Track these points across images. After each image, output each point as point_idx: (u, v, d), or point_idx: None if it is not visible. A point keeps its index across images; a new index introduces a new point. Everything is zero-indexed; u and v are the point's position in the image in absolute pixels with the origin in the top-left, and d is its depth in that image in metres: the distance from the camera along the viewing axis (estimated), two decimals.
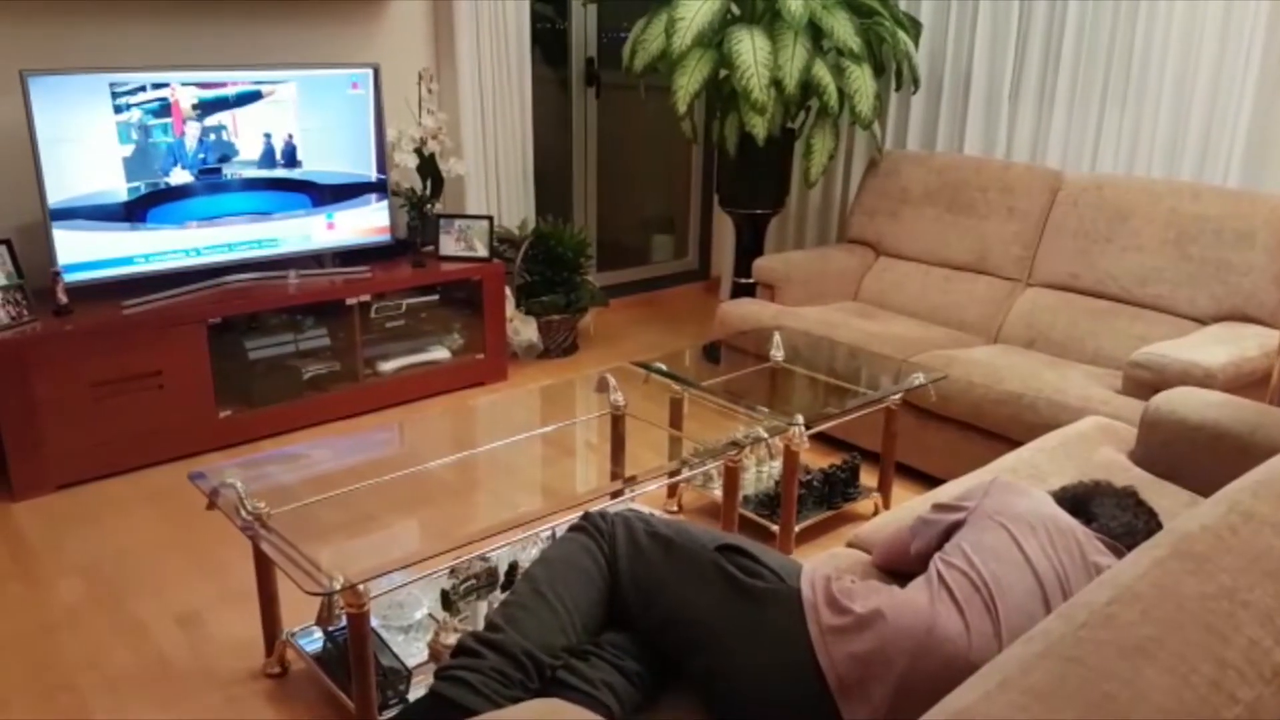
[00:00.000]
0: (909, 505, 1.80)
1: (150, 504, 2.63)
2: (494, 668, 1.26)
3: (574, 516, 2.00)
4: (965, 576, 1.30)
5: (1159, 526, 1.52)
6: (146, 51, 3.01)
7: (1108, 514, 1.49)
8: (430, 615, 1.98)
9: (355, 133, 3.22)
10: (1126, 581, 0.85)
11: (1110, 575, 0.87)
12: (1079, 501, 1.55)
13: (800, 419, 2.19)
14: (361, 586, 1.58)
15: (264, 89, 3.02)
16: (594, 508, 1.61)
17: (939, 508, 1.54)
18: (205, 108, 2.93)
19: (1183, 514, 0.98)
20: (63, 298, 2.72)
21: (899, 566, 1.59)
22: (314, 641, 1.93)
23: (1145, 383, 2.38)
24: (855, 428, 2.78)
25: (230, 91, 2.96)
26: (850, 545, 1.76)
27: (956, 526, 1.46)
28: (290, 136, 3.10)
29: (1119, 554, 1.42)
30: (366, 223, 3.30)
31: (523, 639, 1.30)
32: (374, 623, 1.78)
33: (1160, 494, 1.83)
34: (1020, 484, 1.51)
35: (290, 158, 3.12)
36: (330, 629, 1.84)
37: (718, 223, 4.94)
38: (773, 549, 1.46)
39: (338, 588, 1.55)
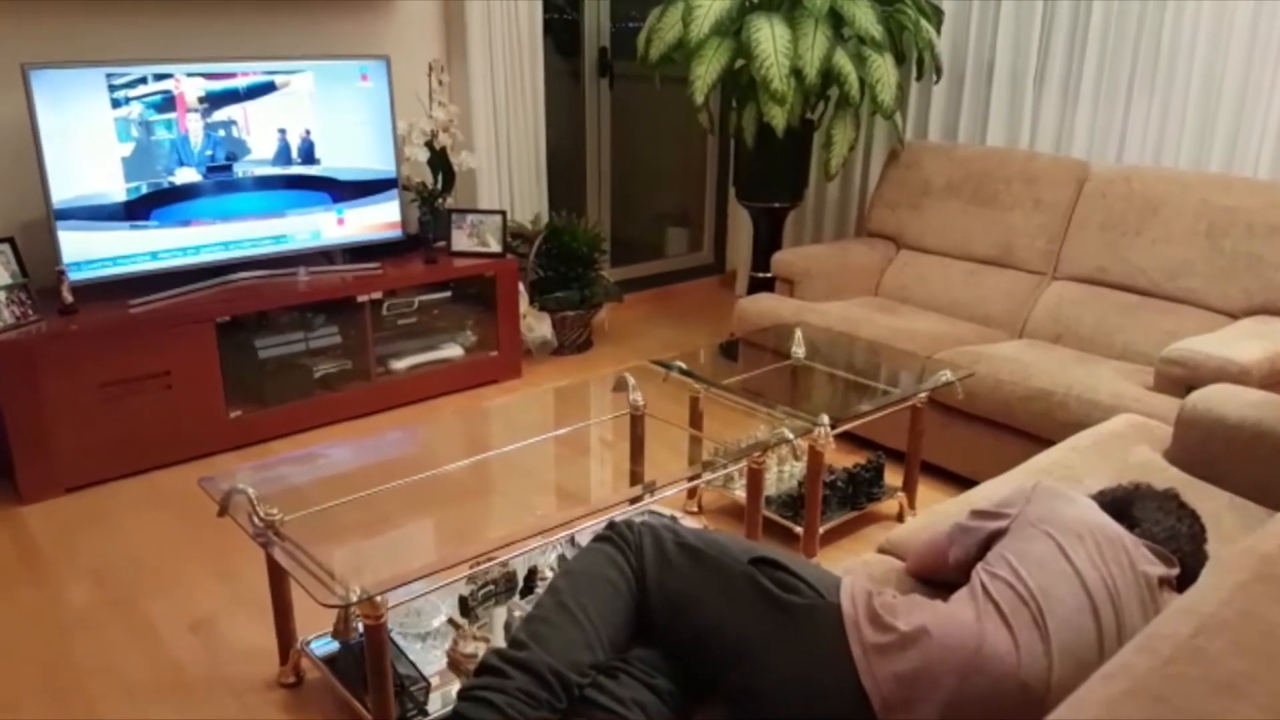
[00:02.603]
0: (940, 509, 1.74)
1: (160, 506, 2.59)
2: (520, 688, 1.21)
3: (597, 522, 1.95)
4: (1011, 589, 1.24)
5: (1202, 530, 1.47)
6: (146, 44, 2.95)
7: (1150, 518, 1.43)
8: (449, 621, 1.93)
9: (373, 126, 3.16)
10: (1210, 610, 0.79)
11: (1190, 602, 0.81)
12: (1121, 506, 1.48)
13: (826, 419, 2.13)
14: (379, 598, 1.52)
15: (278, 80, 2.96)
16: (618, 515, 1.55)
17: (978, 515, 1.47)
18: (213, 101, 2.87)
19: (1259, 530, 0.92)
20: (68, 297, 2.67)
21: (935, 575, 1.52)
22: (327, 644, 1.88)
23: (1178, 379, 2.32)
24: (879, 426, 2.71)
25: (241, 83, 2.90)
26: (882, 551, 1.70)
27: (998, 535, 1.40)
28: (308, 132, 3.03)
29: (1167, 562, 1.36)
30: (377, 218, 3.24)
31: (549, 656, 1.25)
32: (390, 630, 1.73)
33: (1200, 495, 1.77)
34: (1064, 489, 1.45)
35: (308, 154, 3.06)
36: (348, 641, 1.79)
37: (733, 216, 4.87)
38: (807, 560, 1.41)
39: (354, 600, 1.49)
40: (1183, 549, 1.40)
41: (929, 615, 1.22)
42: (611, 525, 1.45)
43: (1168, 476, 1.86)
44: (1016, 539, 1.35)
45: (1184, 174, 2.85)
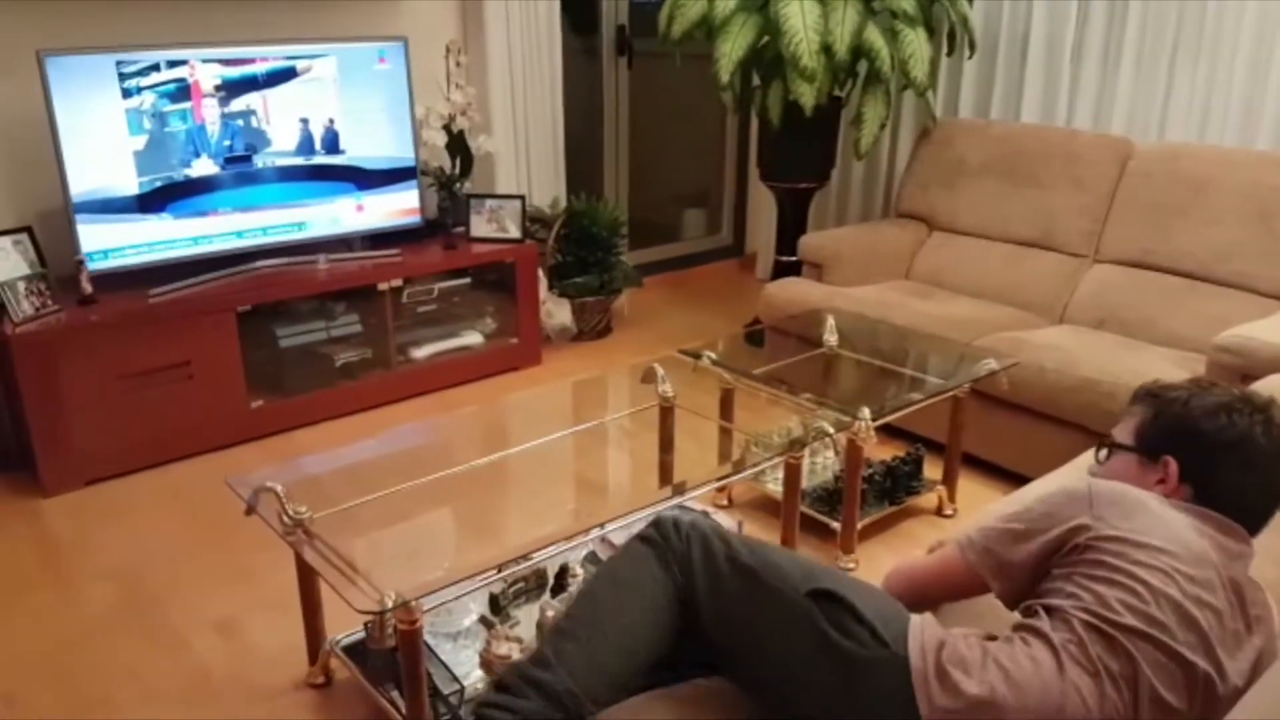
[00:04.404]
0: (993, 509, 1.67)
1: (182, 500, 2.55)
2: (534, 712, 1.15)
3: (631, 520, 1.90)
4: (1097, 632, 1.07)
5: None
6: (156, 28, 2.86)
7: (1216, 472, 1.18)
8: (483, 617, 1.87)
9: (391, 111, 3.08)
10: None
11: None
12: (1175, 437, 1.21)
13: (866, 412, 2.06)
14: (415, 602, 1.47)
15: (299, 66, 2.88)
16: (662, 509, 1.47)
17: (1012, 535, 1.20)
18: (230, 89, 2.79)
19: None
20: (87, 287, 2.62)
21: (930, 600, 1.32)
22: (354, 636, 1.84)
23: (1231, 368, 2.23)
24: (916, 416, 2.63)
25: (259, 69, 2.82)
26: (932, 551, 1.63)
27: (1050, 555, 1.16)
28: (331, 121, 2.96)
29: (1239, 538, 1.16)
30: (396, 204, 3.17)
31: (570, 680, 1.18)
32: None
33: None
34: (1128, 490, 1.19)
35: (332, 143, 2.98)
36: (383, 648, 1.74)
37: (753, 196, 4.77)
38: (869, 588, 1.25)
39: (390, 606, 1.44)
40: (1251, 507, 1.18)
41: (1000, 675, 1.08)
42: (657, 524, 1.34)
43: None
44: (1089, 565, 1.12)
45: (1234, 152, 2.74)
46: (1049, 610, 1.12)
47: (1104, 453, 1.31)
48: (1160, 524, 1.13)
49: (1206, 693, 1.07)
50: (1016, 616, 1.20)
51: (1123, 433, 1.30)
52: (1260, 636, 1.14)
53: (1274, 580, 1.34)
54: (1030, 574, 1.18)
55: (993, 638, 1.16)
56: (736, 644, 1.24)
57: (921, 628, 1.17)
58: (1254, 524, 1.20)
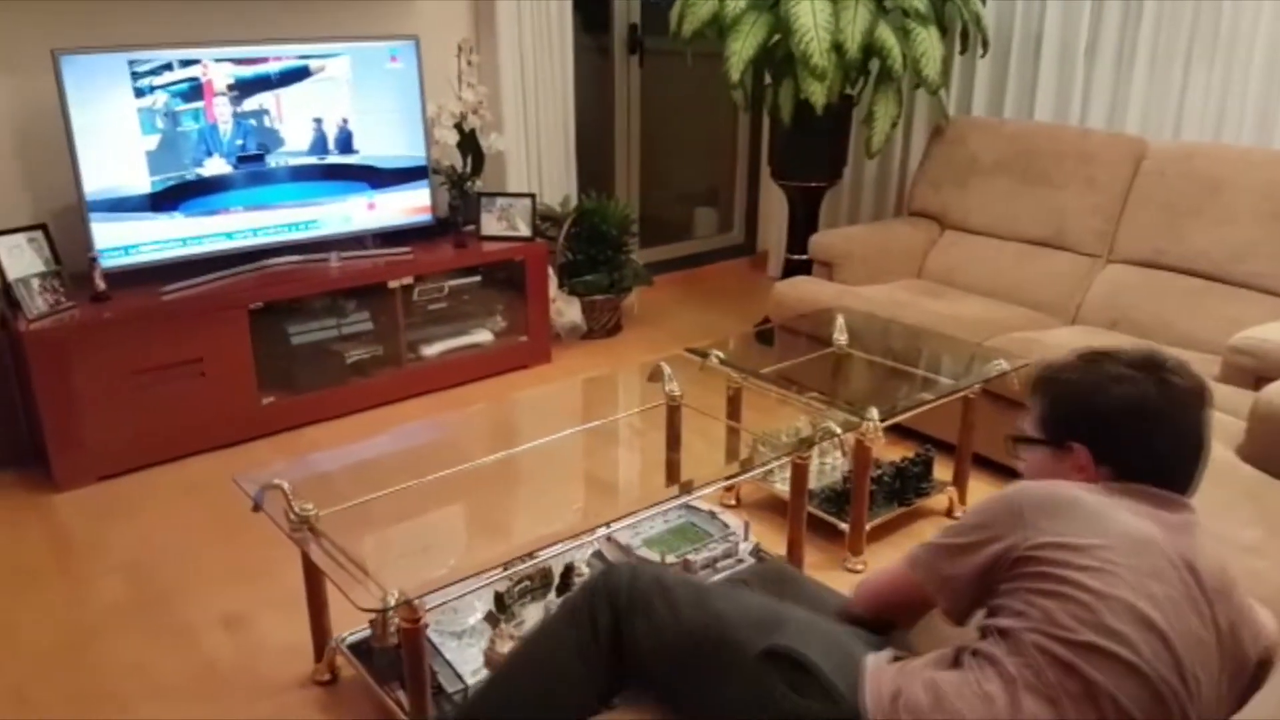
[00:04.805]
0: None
1: (193, 495, 2.56)
2: None
3: (637, 519, 1.89)
4: (1051, 655, 1.02)
5: (1198, 390, 1.15)
6: (168, 28, 2.88)
7: (1139, 448, 1.14)
8: (488, 615, 1.87)
9: (403, 110, 3.09)
10: None
11: None
12: (1080, 426, 1.17)
13: (875, 412, 2.04)
14: (417, 601, 1.47)
15: (312, 65, 2.89)
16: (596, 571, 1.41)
17: (950, 549, 1.16)
18: (243, 88, 2.80)
19: None
20: (101, 284, 2.64)
21: (892, 615, 1.29)
22: (360, 634, 1.84)
23: (1246, 369, 2.20)
24: (927, 417, 2.61)
25: (272, 68, 2.84)
26: None
27: (990, 572, 1.11)
28: (345, 121, 2.97)
29: (1180, 507, 1.11)
30: (408, 203, 3.18)
31: None
32: (426, 627, 1.69)
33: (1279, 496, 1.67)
34: (1057, 489, 1.12)
35: (345, 143, 2.99)
36: (388, 646, 1.74)
37: (764, 195, 4.76)
38: (821, 628, 1.19)
39: (393, 604, 1.44)
40: (1172, 469, 1.14)
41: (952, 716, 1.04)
42: (591, 592, 1.30)
43: (1243, 476, 1.76)
44: (1031, 579, 1.06)
45: (1249, 151, 2.71)
46: (1002, 633, 1.07)
47: (1019, 449, 1.27)
48: (1096, 519, 1.08)
49: (1174, 699, 1.03)
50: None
51: (1030, 426, 1.25)
52: (1224, 606, 1.08)
53: (1273, 580, 1.33)
54: (971, 591, 1.13)
55: (962, 650, 1.12)
56: (685, 700, 1.21)
57: (877, 673, 1.12)
58: (1183, 483, 1.15)
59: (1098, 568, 1.04)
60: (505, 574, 1.72)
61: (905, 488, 2.35)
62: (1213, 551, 1.12)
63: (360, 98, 3.00)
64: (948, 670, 1.11)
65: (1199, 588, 1.07)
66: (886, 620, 1.29)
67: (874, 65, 3.21)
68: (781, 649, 1.14)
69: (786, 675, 1.12)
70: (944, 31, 3.25)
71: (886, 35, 3.03)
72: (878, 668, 1.14)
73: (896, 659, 1.17)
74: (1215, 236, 2.68)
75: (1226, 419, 2.00)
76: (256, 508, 1.74)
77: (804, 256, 3.42)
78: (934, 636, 1.29)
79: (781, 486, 2.38)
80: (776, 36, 3.12)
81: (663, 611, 1.24)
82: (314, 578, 1.82)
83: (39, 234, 2.64)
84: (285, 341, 2.95)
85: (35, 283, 2.57)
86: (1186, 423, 1.15)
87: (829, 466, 2.48)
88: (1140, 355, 1.18)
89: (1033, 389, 1.26)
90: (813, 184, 3.53)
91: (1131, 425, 1.15)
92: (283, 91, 2.87)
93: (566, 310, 3.61)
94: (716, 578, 1.93)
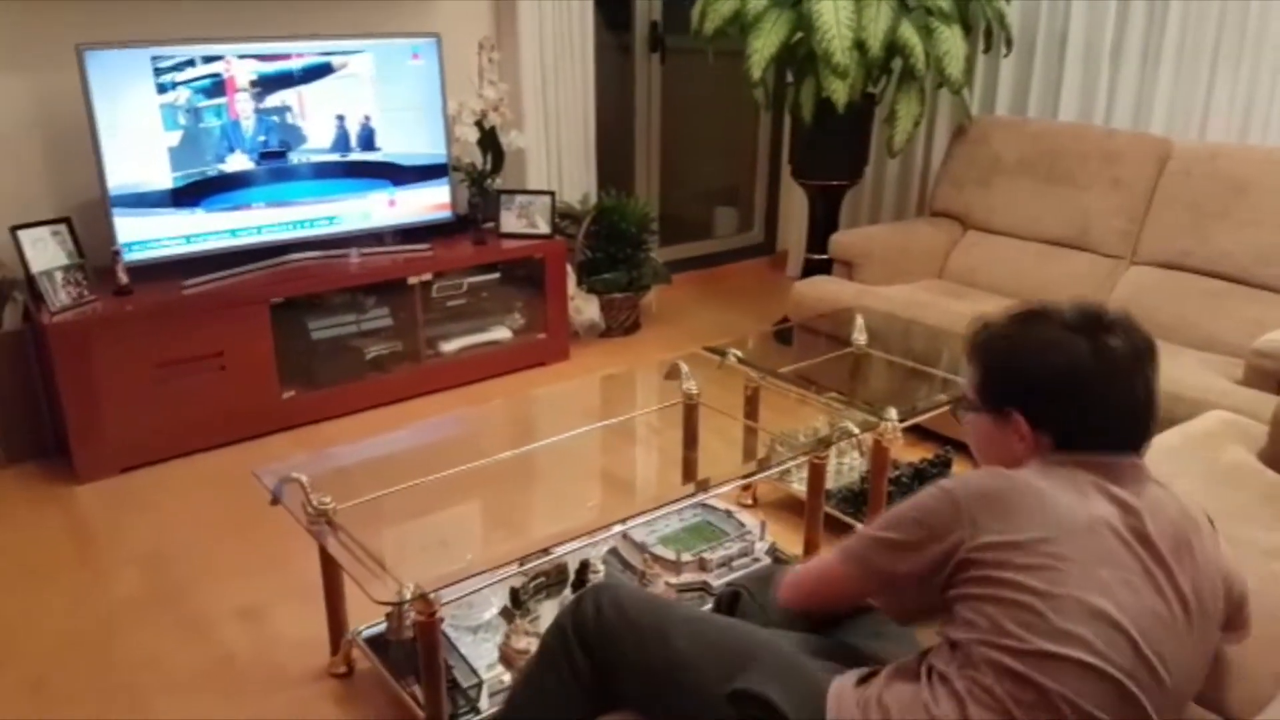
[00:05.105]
0: None
1: (213, 488, 2.59)
2: None
3: (651, 516, 1.89)
4: (1001, 668, 0.98)
5: (1139, 351, 1.09)
6: (190, 24, 2.90)
7: (1078, 414, 1.07)
8: (504, 610, 1.88)
9: (425, 107, 3.10)
10: None
11: None
12: (1015, 392, 1.11)
13: (893, 413, 2.03)
14: (433, 595, 1.48)
15: (335, 62, 2.90)
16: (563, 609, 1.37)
17: (888, 544, 1.09)
18: (266, 85, 2.82)
19: None
20: (123, 277, 2.67)
21: (824, 608, 1.28)
22: (376, 627, 1.85)
23: (1270, 373, 2.18)
24: (945, 418, 2.59)
25: (295, 65, 2.85)
26: None
27: (932, 575, 1.05)
28: (367, 118, 2.98)
29: (1126, 478, 1.05)
30: (428, 200, 3.19)
31: None
32: (442, 622, 1.69)
33: None
34: (997, 477, 1.06)
35: (368, 140, 3.01)
36: (403, 640, 1.75)
37: (784, 194, 4.74)
38: (786, 658, 1.16)
39: (408, 597, 1.45)
40: (1115, 432, 1.08)
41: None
42: (560, 631, 1.29)
43: (1264, 480, 1.73)
44: (978, 584, 1.01)
45: (1276, 151, 2.67)
46: (953, 645, 1.03)
47: (962, 413, 1.22)
48: (1038, 510, 1.02)
49: (1138, 686, 0.98)
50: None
51: (970, 391, 1.19)
52: (1185, 565, 1.03)
53: (1266, 575, 1.31)
54: (914, 593, 1.08)
55: (925, 656, 1.09)
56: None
57: (839, 701, 1.09)
58: (1132, 444, 1.09)
59: (1041, 566, 0.98)
60: (521, 570, 1.73)
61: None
62: (1167, 502, 1.07)
63: (382, 95, 3.02)
64: (907, 683, 1.07)
65: (1154, 558, 1.01)
66: (810, 613, 1.27)
67: (896, 64, 3.19)
68: (746, 692, 1.10)
69: (753, 715, 1.09)
70: (967, 30, 3.23)
71: (909, 33, 3.01)
72: (839, 695, 1.10)
73: (863, 680, 1.13)
74: (1240, 238, 2.65)
75: (1248, 423, 1.97)
76: (275, 501, 1.75)
77: (824, 256, 3.40)
78: (904, 645, 1.26)
79: (799, 486, 2.37)
80: (798, 34, 3.11)
81: (628, 648, 1.22)
82: (331, 571, 1.83)
83: (63, 228, 2.67)
84: (305, 336, 2.97)
85: (59, 276, 2.60)
86: (1125, 386, 1.07)
87: (847, 467, 2.46)
88: (1078, 314, 1.10)
89: (967, 353, 1.19)
90: (834, 183, 3.51)
91: (1065, 393, 1.08)
92: (305, 88, 2.89)
93: (585, 308, 3.61)
94: (731, 577, 1.93)
